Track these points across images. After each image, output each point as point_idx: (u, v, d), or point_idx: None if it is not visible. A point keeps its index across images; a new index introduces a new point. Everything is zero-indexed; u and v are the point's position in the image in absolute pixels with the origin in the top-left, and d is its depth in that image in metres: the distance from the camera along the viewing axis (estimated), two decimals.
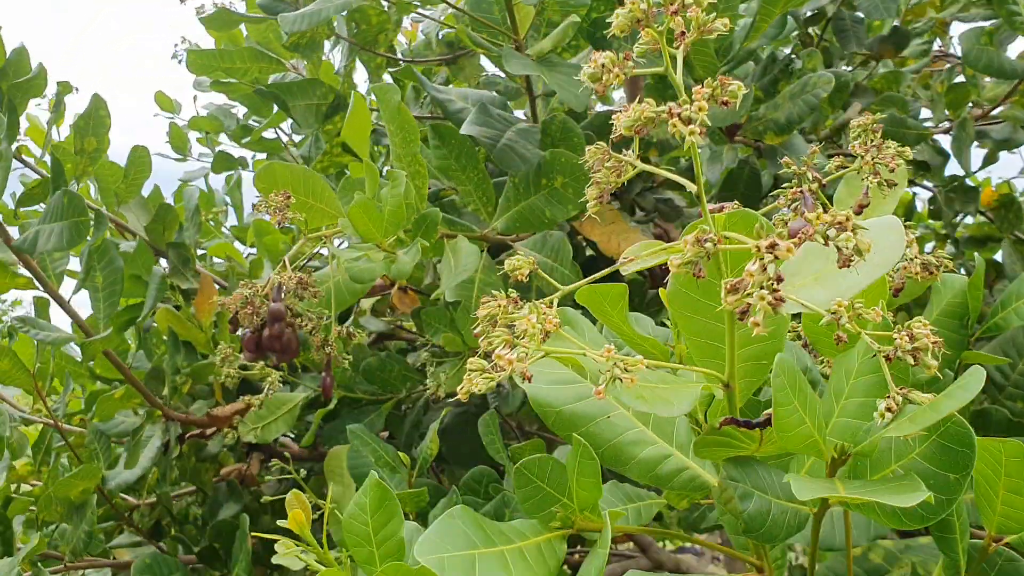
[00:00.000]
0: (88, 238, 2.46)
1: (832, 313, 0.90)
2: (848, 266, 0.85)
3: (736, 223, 0.99)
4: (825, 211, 1.25)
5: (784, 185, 1.34)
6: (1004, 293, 1.59)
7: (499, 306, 0.97)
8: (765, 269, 0.83)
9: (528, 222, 2.24)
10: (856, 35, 3.07)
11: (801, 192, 1.31)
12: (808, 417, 0.99)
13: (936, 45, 3.56)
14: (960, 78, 3.26)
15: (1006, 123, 2.82)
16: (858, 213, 1.38)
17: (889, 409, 0.94)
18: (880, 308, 0.92)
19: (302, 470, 2.36)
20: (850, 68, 3.31)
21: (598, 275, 1.05)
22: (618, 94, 3.96)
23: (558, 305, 0.97)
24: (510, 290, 0.99)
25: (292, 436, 3.26)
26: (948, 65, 3.62)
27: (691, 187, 0.98)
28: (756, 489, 1.04)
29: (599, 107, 3.58)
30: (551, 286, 1.10)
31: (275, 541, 2.84)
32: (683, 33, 0.93)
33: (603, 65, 0.96)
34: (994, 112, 2.85)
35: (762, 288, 0.83)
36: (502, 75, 2.55)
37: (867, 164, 1.32)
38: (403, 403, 2.94)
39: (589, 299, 1.20)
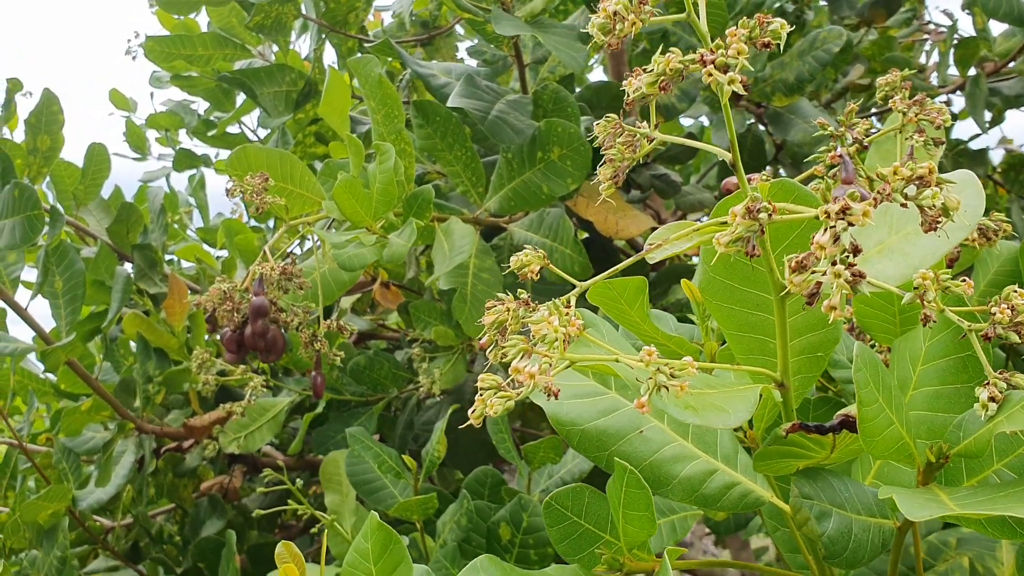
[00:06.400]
0: (44, 240, 2.27)
1: (915, 288, 0.75)
2: (934, 229, 0.70)
3: (775, 195, 0.85)
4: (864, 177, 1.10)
5: (820, 149, 1.19)
6: None
7: (508, 310, 0.80)
8: (837, 239, 0.68)
9: (524, 200, 2.08)
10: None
11: (840, 156, 1.15)
12: (896, 416, 0.84)
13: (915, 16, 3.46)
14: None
15: (1018, 78, 2.70)
16: None
17: (992, 399, 0.80)
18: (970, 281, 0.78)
19: (298, 480, 2.19)
20: None
21: (619, 266, 0.89)
22: (592, 76, 3.81)
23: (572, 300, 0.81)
24: (519, 290, 0.82)
25: (276, 444, 3.08)
26: (926, 36, 3.52)
27: (724, 155, 0.83)
28: (834, 506, 0.88)
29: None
30: (551, 277, 0.94)
31: (263, 559, 2.67)
32: None
33: (615, 13, 0.81)
34: (1005, 68, 2.73)
35: (836, 263, 0.67)
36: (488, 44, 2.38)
37: (911, 121, 1.17)
38: (392, 404, 2.77)
39: (602, 296, 1.04)
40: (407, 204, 1.74)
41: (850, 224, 0.68)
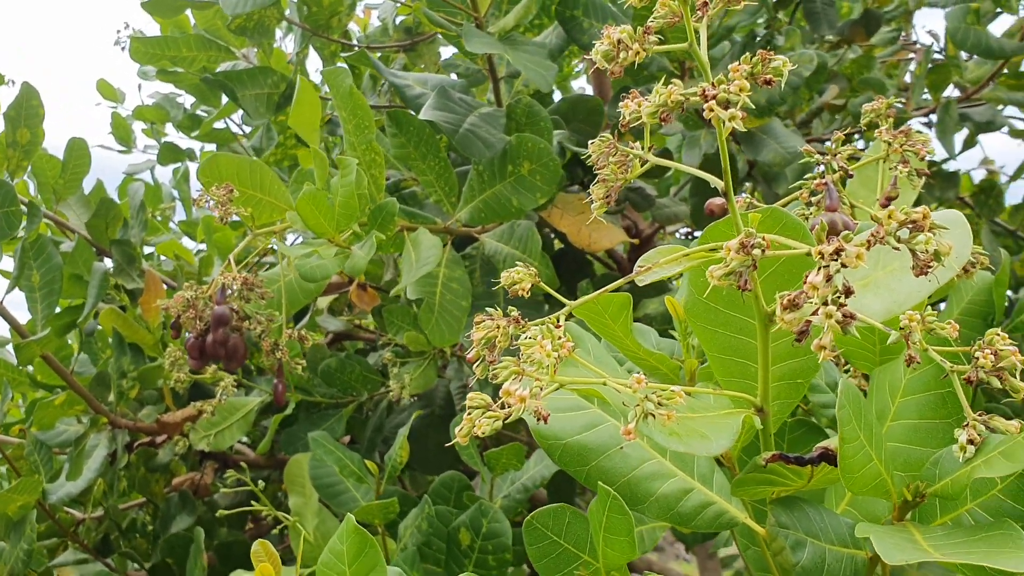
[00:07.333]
0: (22, 232, 2.30)
1: (900, 329, 0.77)
2: (926, 273, 0.72)
3: (763, 223, 0.86)
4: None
5: (806, 176, 1.21)
6: None
7: (498, 327, 0.82)
8: (830, 279, 0.69)
9: (494, 212, 2.11)
10: (827, 18, 2.98)
11: (825, 184, 1.17)
12: (875, 453, 0.86)
13: (900, 34, 3.49)
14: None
15: (987, 105, 2.74)
16: (885, 206, 1.25)
17: (971, 441, 0.82)
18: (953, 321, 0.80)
19: (260, 481, 2.22)
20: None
21: (610, 287, 0.91)
22: (576, 82, 3.82)
23: (562, 319, 0.82)
24: (510, 308, 0.84)
25: (248, 443, 3.10)
26: (911, 55, 3.55)
27: (718, 184, 0.84)
28: (809, 536, 0.90)
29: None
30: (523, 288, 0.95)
31: (232, 556, 2.69)
32: (706, 3, 0.80)
33: (619, 41, 0.81)
34: (977, 95, 2.77)
35: (827, 303, 0.69)
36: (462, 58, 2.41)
37: (896, 152, 1.19)
38: (364, 406, 2.80)
39: (588, 310, 1.07)
40: (372, 216, 1.77)
41: (843, 266, 0.70)
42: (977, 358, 0.82)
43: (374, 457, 2.67)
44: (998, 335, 0.82)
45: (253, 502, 2.12)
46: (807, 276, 0.71)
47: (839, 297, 0.69)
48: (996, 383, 0.81)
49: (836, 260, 0.69)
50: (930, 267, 0.72)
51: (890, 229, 0.73)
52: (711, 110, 0.76)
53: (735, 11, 2.17)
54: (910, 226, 0.73)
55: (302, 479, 2.24)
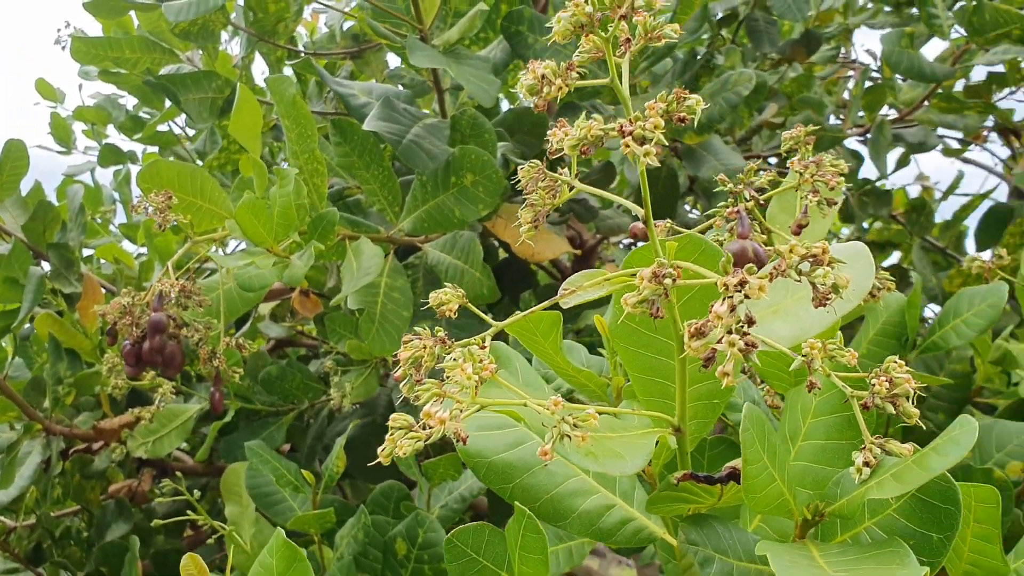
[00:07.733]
0: None
1: (803, 356, 0.81)
2: (825, 305, 0.75)
3: (682, 250, 0.89)
4: (762, 230, 1.16)
5: (719, 204, 1.25)
6: (942, 311, 1.54)
7: (424, 347, 0.84)
8: (734, 310, 0.73)
9: (437, 222, 2.13)
10: (769, 36, 3.04)
11: (738, 212, 1.21)
12: (778, 474, 0.89)
13: (840, 53, 3.59)
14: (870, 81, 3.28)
15: (920, 126, 2.83)
16: (796, 234, 1.30)
17: (867, 463, 0.85)
18: (853, 348, 0.84)
19: (197, 491, 2.20)
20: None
21: (537, 308, 0.93)
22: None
23: (488, 340, 0.85)
24: (436, 328, 0.86)
25: (187, 450, 3.07)
26: (851, 73, 3.65)
27: (638, 211, 0.87)
28: (717, 552, 0.93)
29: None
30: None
31: (168, 564, 2.66)
32: (628, 40, 0.82)
33: (543, 76, 0.84)
34: (910, 116, 2.86)
35: (731, 332, 0.72)
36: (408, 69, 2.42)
37: (806, 182, 1.23)
38: (305, 413, 2.79)
39: (518, 327, 1.09)
40: (312, 225, 1.77)
41: (747, 296, 0.73)
42: (873, 384, 0.85)
43: (315, 465, 2.66)
44: (895, 363, 0.85)
45: (189, 511, 2.10)
46: (712, 306, 0.74)
47: (742, 326, 0.73)
48: (890, 409, 0.84)
49: (740, 291, 0.73)
50: (829, 299, 0.76)
51: (792, 263, 0.77)
52: (627, 146, 0.79)
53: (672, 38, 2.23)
54: (811, 260, 0.76)
55: (239, 488, 2.22)
